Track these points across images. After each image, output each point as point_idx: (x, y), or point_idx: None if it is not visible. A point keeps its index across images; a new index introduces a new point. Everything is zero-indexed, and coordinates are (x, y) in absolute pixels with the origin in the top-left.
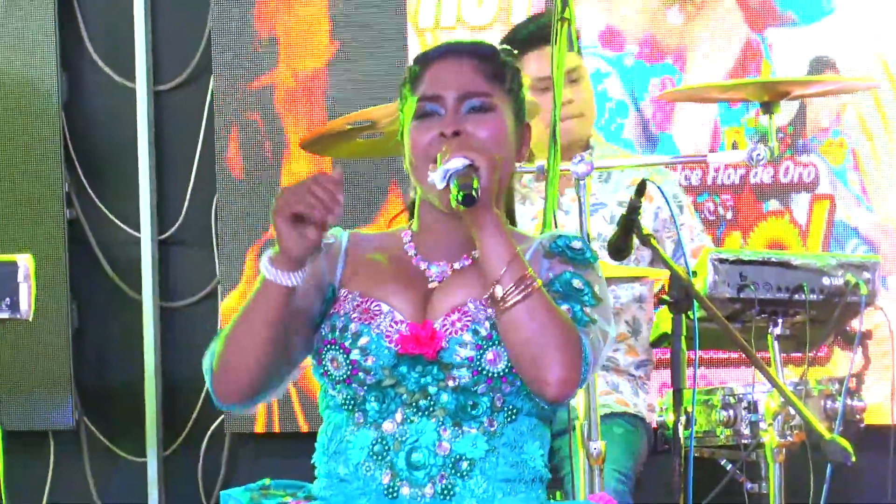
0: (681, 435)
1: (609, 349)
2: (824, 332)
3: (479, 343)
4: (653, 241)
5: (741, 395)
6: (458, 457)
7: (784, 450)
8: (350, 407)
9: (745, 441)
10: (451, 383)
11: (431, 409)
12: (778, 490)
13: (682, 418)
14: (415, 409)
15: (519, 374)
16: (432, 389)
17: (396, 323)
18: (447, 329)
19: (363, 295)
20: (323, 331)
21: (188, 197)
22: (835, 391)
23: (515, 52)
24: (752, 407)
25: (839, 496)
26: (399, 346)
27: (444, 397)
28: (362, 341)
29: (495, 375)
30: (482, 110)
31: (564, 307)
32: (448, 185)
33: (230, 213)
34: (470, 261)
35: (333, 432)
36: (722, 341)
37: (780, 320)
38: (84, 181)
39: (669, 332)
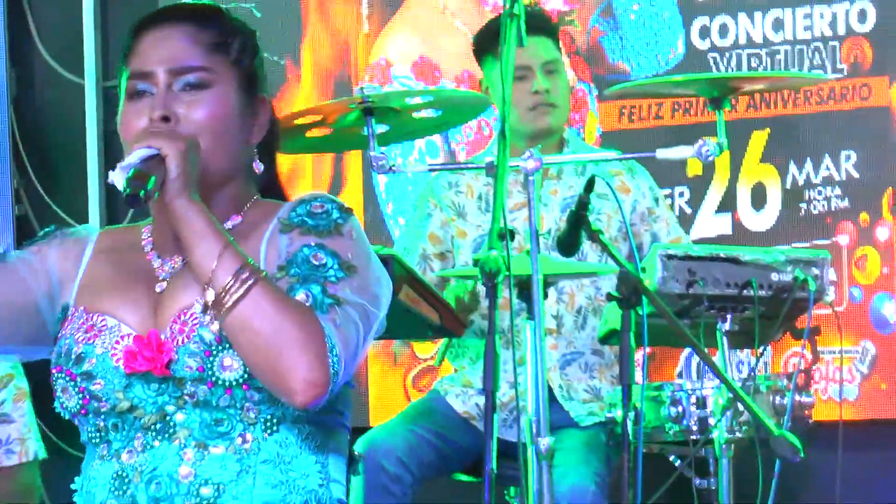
0: (629, 431)
1: (378, 323)
2: (773, 328)
3: (207, 349)
4: (601, 237)
5: (690, 391)
6: (202, 482)
7: (733, 446)
8: (96, 441)
9: (694, 437)
10: (189, 400)
11: (172, 431)
12: (727, 486)
13: (631, 414)
14: (155, 434)
15: (261, 383)
16: (170, 408)
17: (123, 337)
18: (174, 337)
19: (89, 309)
20: (52, 358)
21: None
22: (783, 387)
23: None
24: (701, 402)
25: (788, 492)
26: (126, 363)
27: (183, 416)
28: (87, 364)
29: (234, 384)
30: (198, 87)
31: (301, 293)
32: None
33: None
34: None
35: (86, 469)
36: (671, 337)
37: (728, 316)
38: (33, 177)
39: (618, 328)
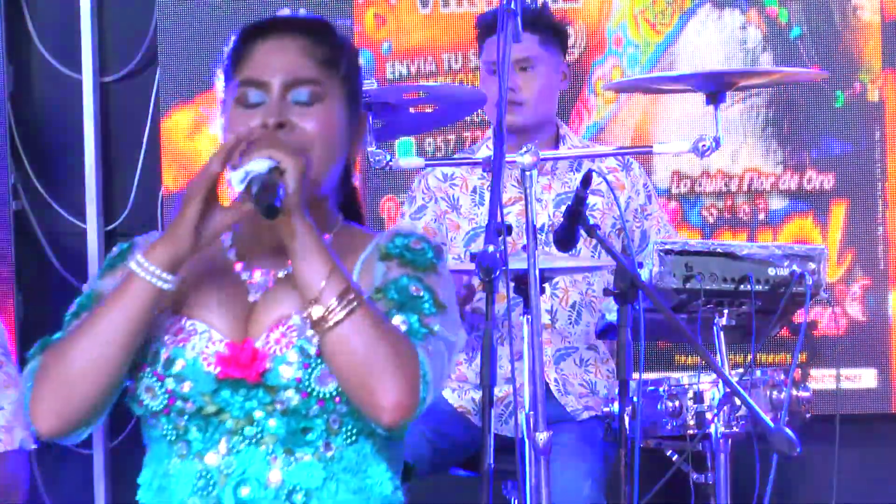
0: (626, 426)
1: (455, 361)
2: (770, 323)
3: (307, 362)
4: (598, 232)
5: (687, 386)
6: (291, 488)
7: (730, 440)
8: (172, 438)
9: (692, 432)
10: (279, 407)
11: (259, 436)
12: (724, 481)
13: (628, 409)
14: (241, 438)
15: (350, 399)
16: (259, 415)
17: (214, 343)
18: (270, 347)
19: (177, 312)
20: (136, 356)
21: (135, 188)
22: (780, 381)
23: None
24: (698, 397)
25: (785, 486)
26: (218, 368)
27: (273, 423)
28: (178, 366)
29: (327, 396)
30: (311, 100)
31: (399, 318)
32: (247, 188)
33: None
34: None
35: (157, 465)
36: (668, 332)
37: (725, 311)
38: (30, 172)
39: (615, 322)
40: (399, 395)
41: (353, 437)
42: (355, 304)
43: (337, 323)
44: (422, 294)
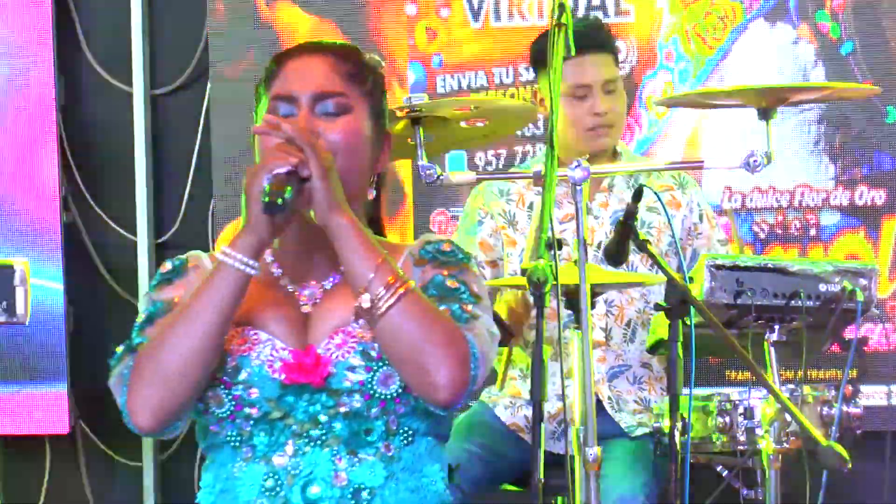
0: (677, 441)
1: (495, 347)
2: (821, 339)
3: (370, 365)
4: (649, 246)
5: (737, 402)
6: (357, 487)
7: (780, 456)
8: (236, 444)
9: (742, 447)
10: (342, 410)
11: (324, 438)
12: (774, 496)
13: (679, 424)
14: (307, 440)
15: (407, 383)
16: (323, 418)
17: (278, 351)
18: (332, 353)
19: (238, 324)
20: None
21: (185, 201)
22: (831, 397)
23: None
24: (749, 413)
25: (835, 503)
26: (284, 375)
27: (337, 425)
28: (244, 374)
29: (388, 397)
30: (337, 111)
31: (443, 308)
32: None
33: (227, 218)
34: (339, 277)
35: (219, 469)
36: (719, 348)
37: (776, 326)
38: (81, 185)
39: (666, 338)
40: (452, 371)
41: (410, 438)
42: (403, 290)
43: (388, 309)
44: (458, 286)
